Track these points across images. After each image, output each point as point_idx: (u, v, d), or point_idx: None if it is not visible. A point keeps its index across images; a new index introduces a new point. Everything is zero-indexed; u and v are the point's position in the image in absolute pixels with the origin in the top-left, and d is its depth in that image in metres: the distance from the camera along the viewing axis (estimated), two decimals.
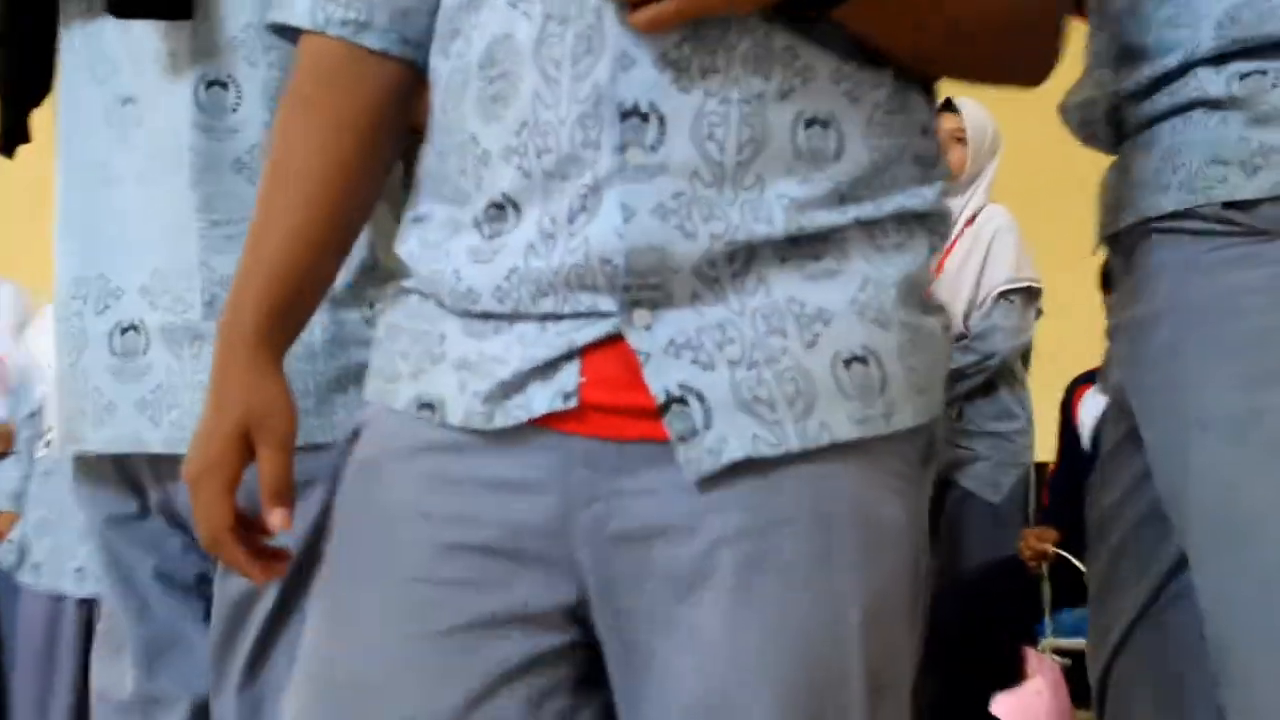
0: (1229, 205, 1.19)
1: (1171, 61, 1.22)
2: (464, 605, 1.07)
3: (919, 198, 1.10)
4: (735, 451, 1.04)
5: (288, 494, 1.13)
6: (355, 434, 1.17)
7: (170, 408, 1.47)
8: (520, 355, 1.07)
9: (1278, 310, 1.17)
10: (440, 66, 1.14)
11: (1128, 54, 1.26)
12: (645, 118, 1.03)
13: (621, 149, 1.03)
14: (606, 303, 1.04)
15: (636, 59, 1.03)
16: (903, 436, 1.09)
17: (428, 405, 1.11)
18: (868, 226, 1.07)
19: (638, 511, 1.06)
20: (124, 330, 1.49)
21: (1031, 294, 3.77)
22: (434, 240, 1.13)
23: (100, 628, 1.63)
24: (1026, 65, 1.14)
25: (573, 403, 1.06)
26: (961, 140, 3.82)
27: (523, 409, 1.07)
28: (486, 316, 1.08)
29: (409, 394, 1.12)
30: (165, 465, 1.48)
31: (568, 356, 1.06)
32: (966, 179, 3.82)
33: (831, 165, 1.06)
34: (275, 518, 1.12)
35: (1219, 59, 1.20)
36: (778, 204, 1.04)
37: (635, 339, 1.05)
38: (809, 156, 1.05)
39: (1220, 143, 1.20)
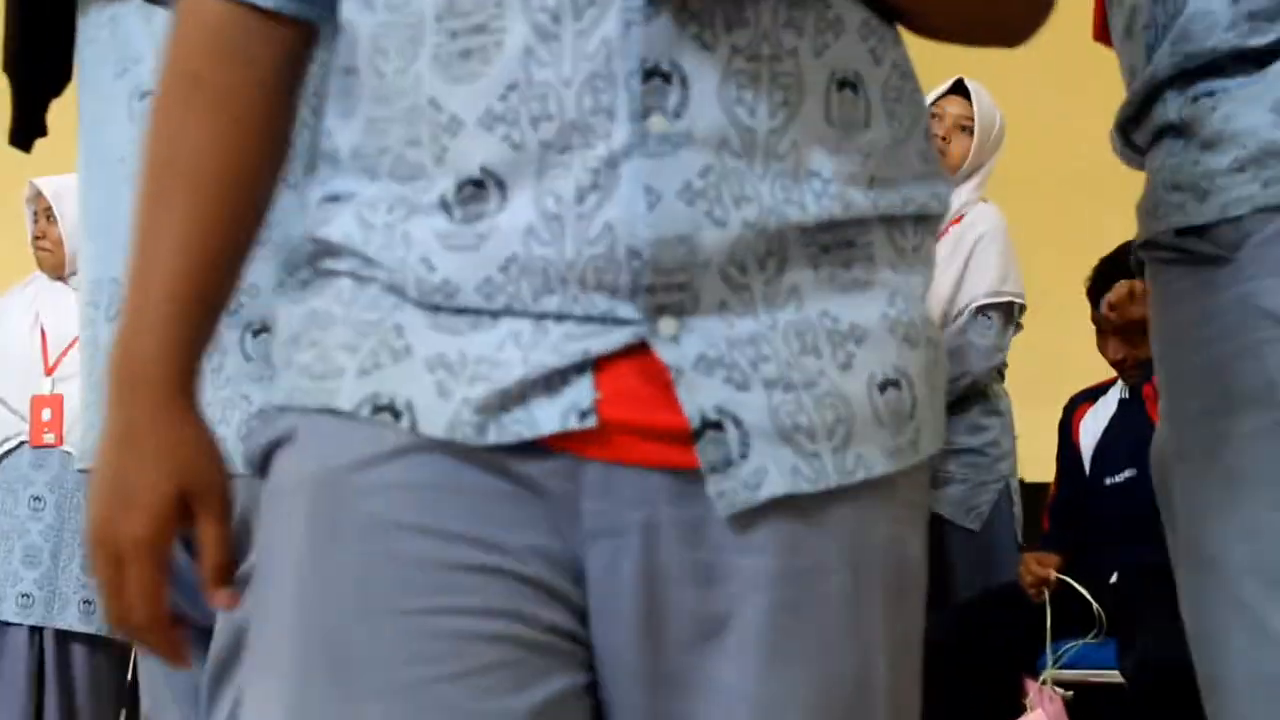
0: (1181, 232, 1.21)
1: (1140, 86, 1.24)
2: (492, 639, 0.95)
3: (935, 197, 1.03)
4: (775, 487, 0.95)
5: (233, 568, 1.02)
6: (267, 453, 1.02)
7: None
8: (522, 360, 0.94)
9: (1228, 339, 1.19)
10: (361, 20, 0.98)
11: (1129, 77, 1.29)
12: (667, 79, 0.92)
13: (642, 116, 0.92)
14: (626, 308, 0.93)
15: (650, 10, 0.93)
16: (921, 465, 1.03)
17: (387, 408, 0.95)
18: (889, 226, 1.00)
19: (660, 550, 0.96)
20: None
21: (1012, 310, 3.68)
22: (382, 222, 0.98)
23: (141, 671, 1.61)
24: (1014, 16, 1.04)
25: (590, 421, 0.94)
26: (968, 129, 3.71)
27: (524, 425, 0.95)
28: (462, 311, 0.96)
29: (358, 393, 0.96)
30: None
31: (579, 367, 0.95)
32: (964, 172, 3.71)
33: (861, 134, 0.98)
34: (223, 598, 1.03)
35: (1182, 80, 1.21)
36: (809, 184, 0.96)
37: (664, 351, 0.94)
38: (840, 124, 0.97)
39: (1178, 169, 1.22)
